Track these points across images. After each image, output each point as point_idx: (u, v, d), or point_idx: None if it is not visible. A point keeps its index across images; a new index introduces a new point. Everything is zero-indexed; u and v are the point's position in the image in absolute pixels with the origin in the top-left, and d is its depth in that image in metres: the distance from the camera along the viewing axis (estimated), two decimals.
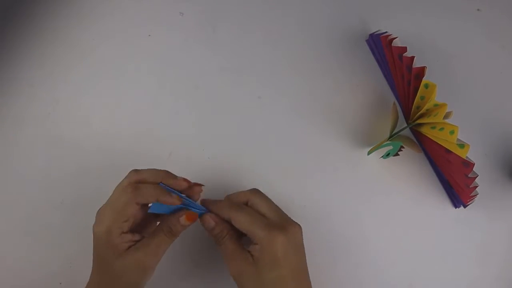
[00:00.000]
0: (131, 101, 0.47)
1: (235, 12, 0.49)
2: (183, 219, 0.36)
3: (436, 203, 0.46)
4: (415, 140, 0.47)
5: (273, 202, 0.38)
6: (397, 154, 0.45)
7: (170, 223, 0.36)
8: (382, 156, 0.45)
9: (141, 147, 0.45)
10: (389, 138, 0.43)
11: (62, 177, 0.45)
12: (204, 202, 0.38)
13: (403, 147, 0.45)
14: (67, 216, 0.44)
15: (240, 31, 0.49)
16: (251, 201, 0.38)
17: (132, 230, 0.36)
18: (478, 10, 0.51)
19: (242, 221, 0.36)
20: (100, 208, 0.36)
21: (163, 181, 0.36)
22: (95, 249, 0.36)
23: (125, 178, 0.36)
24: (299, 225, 0.37)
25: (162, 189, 0.35)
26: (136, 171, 0.36)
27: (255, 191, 0.38)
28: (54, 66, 0.47)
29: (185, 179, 0.37)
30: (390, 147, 0.44)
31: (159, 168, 0.37)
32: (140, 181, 0.35)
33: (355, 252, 0.45)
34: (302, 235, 0.37)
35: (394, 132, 0.43)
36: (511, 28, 0.51)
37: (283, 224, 0.36)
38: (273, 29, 0.49)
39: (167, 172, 0.37)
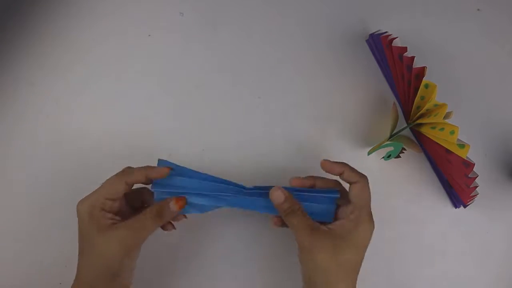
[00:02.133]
0: (131, 101, 0.47)
1: (235, 12, 0.49)
2: (172, 203, 0.35)
3: (436, 203, 0.46)
4: (415, 140, 0.47)
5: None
6: (398, 156, 0.45)
7: (158, 207, 0.35)
8: (383, 157, 0.45)
9: (141, 147, 0.45)
10: (389, 138, 0.43)
11: (62, 177, 0.45)
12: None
13: (405, 149, 0.44)
14: (66, 216, 0.44)
15: (240, 31, 0.49)
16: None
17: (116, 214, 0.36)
18: (478, 10, 0.51)
19: (355, 179, 0.36)
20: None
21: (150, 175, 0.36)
22: (79, 229, 0.35)
23: None
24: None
25: (150, 167, 0.36)
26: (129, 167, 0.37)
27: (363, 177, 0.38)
28: (54, 65, 0.47)
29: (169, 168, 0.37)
30: (391, 148, 0.44)
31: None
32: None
33: None
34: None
35: (394, 132, 0.43)
36: (511, 28, 0.51)
37: (371, 216, 0.36)
38: (273, 29, 0.49)
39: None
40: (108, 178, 0.36)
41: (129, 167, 0.37)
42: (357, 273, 0.35)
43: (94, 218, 0.34)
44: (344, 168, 0.37)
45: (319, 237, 0.34)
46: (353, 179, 0.37)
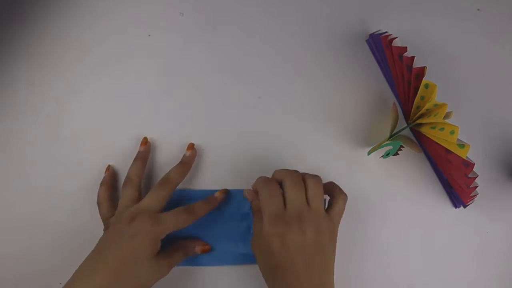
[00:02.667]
0: (131, 101, 0.47)
1: (235, 12, 0.49)
2: (198, 248, 0.42)
3: (436, 203, 0.46)
4: (415, 140, 0.47)
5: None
6: (396, 154, 0.45)
7: (186, 247, 0.41)
8: (382, 156, 0.45)
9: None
10: (389, 138, 0.43)
11: (62, 177, 0.45)
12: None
13: (403, 147, 0.45)
14: (67, 216, 0.44)
15: (240, 31, 0.49)
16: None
17: None
18: (478, 10, 0.51)
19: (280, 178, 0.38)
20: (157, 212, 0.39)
21: None
22: (129, 244, 0.36)
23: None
24: (345, 194, 0.39)
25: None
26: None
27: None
28: (54, 65, 0.47)
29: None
30: (390, 147, 0.44)
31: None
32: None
33: (355, 252, 0.45)
34: (345, 204, 0.39)
35: (394, 132, 0.43)
36: (511, 28, 0.51)
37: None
38: (273, 29, 0.49)
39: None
40: (176, 208, 0.39)
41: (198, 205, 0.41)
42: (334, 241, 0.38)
43: (156, 244, 0.37)
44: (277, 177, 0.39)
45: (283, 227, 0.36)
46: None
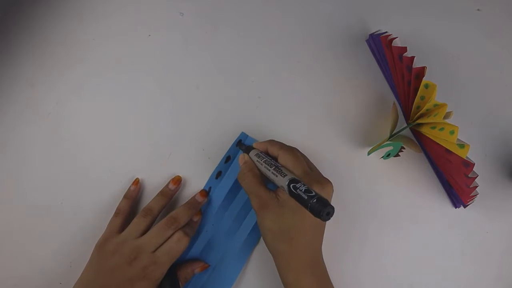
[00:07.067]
0: (131, 101, 0.47)
1: (235, 12, 0.49)
2: (197, 270, 0.42)
3: (436, 203, 0.46)
4: (415, 140, 0.47)
5: (307, 159, 0.41)
6: (397, 155, 0.45)
7: (186, 274, 0.41)
8: (382, 157, 0.45)
9: (141, 147, 0.45)
10: (389, 138, 0.43)
11: (62, 177, 0.45)
12: (257, 145, 0.42)
13: (404, 148, 0.45)
14: (67, 216, 0.44)
15: (240, 31, 0.49)
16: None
17: None
18: (478, 10, 0.51)
19: (288, 159, 0.38)
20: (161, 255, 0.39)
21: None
22: (131, 273, 0.37)
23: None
24: (331, 183, 0.38)
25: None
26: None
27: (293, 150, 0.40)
28: (55, 66, 0.47)
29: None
30: (390, 147, 0.44)
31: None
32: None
33: (355, 252, 0.45)
34: (332, 194, 0.39)
35: (394, 132, 0.43)
36: (511, 28, 0.51)
37: (319, 178, 0.39)
38: (273, 29, 0.49)
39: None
40: (168, 241, 0.39)
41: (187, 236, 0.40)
42: (302, 235, 0.37)
43: (156, 285, 0.38)
44: (267, 145, 0.41)
45: (267, 199, 0.37)
46: (275, 153, 0.40)
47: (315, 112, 0.47)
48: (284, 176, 0.35)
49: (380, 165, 0.47)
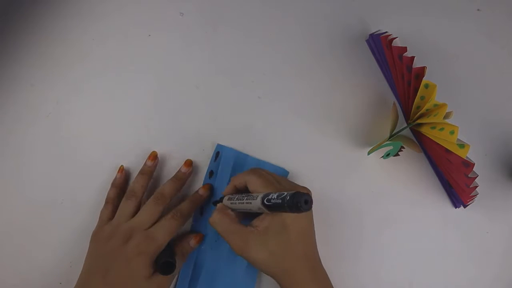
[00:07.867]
0: (131, 101, 0.47)
1: (235, 12, 0.49)
2: (192, 241, 0.41)
3: (436, 203, 0.46)
4: (415, 140, 0.47)
5: (273, 175, 0.39)
6: (397, 155, 0.45)
7: (182, 248, 0.41)
8: (382, 156, 0.45)
9: (141, 147, 0.45)
10: (389, 138, 0.43)
11: (62, 177, 0.45)
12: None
13: (403, 148, 0.45)
14: (67, 216, 0.44)
15: (240, 31, 0.49)
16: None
17: None
18: (478, 10, 0.51)
19: (255, 182, 0.37)
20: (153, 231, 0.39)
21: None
22: (127, 267, 0.37)
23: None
24: (308, 189, 0.38)
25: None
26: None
27: (253, 170, 0.39)
28: (54, 66, 0.47)
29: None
30: (390, 147, 0.44)
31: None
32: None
33: (355, 252, 0.45)
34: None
35: (394, 132, 0.43)
36: (511, 28, 0.51)
37: (293, 186, 0.38)
38: (273, 29, 0.49)
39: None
40: (163, 218, 0.39)
41: (181, 212, 0.40)
42: (294, 249, 0.36)
43: (152, 262, 0.38)
44: (233, 183, 0.40)
45: (245, 236, 0.36)
46: (243, 184, 0.38)
47: (315, 112, 0.47)
48: (256, 197, 0.34)
49: (380, 165, 0.47)
